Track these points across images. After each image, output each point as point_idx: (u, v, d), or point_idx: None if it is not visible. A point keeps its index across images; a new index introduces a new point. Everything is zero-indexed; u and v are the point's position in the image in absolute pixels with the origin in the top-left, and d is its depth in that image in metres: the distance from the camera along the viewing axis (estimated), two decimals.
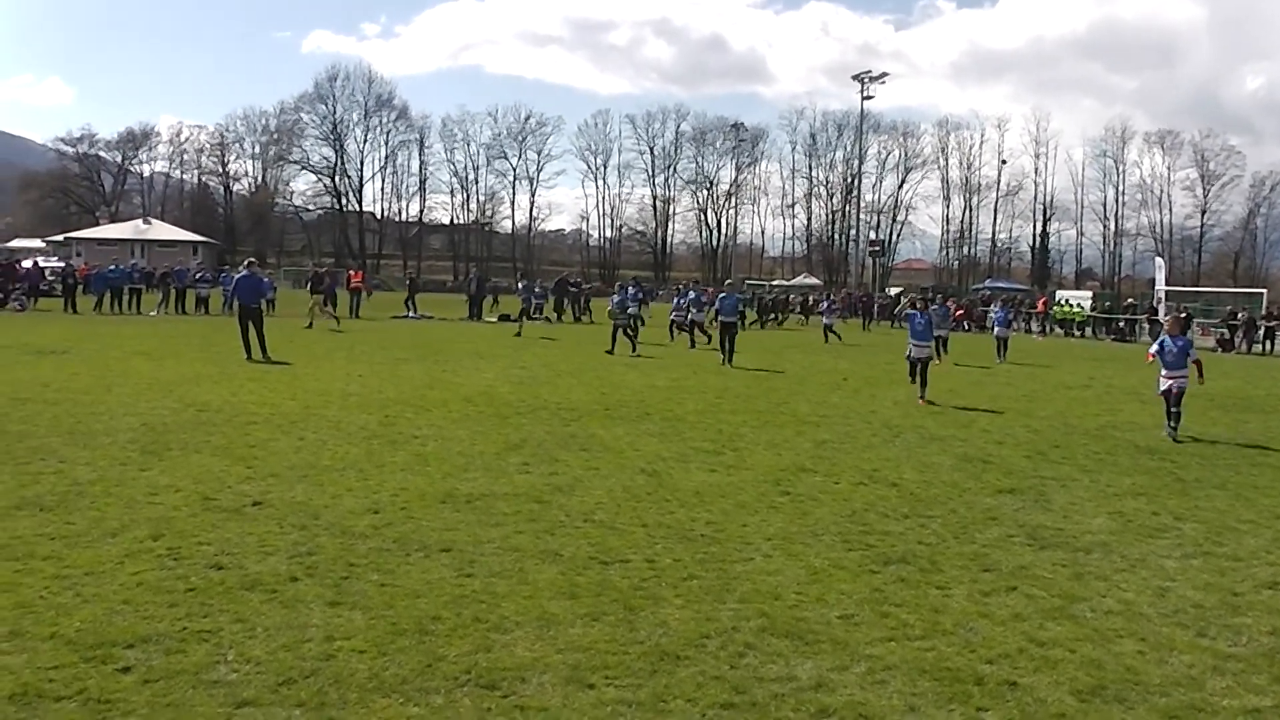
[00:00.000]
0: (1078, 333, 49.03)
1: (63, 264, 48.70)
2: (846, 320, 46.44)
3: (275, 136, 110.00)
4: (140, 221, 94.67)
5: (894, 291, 68.07)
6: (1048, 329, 49.25)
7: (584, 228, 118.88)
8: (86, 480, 8.74)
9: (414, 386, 16.52)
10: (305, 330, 29.56)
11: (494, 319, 40.41)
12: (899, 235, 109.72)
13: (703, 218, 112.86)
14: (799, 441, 12.44)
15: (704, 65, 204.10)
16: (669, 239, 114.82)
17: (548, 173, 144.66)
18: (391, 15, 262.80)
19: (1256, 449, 13.19)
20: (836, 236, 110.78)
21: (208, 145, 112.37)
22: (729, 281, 32.67)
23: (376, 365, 19.98)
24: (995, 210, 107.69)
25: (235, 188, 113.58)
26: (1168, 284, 53.41)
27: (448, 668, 5.01)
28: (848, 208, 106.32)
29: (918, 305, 18.24)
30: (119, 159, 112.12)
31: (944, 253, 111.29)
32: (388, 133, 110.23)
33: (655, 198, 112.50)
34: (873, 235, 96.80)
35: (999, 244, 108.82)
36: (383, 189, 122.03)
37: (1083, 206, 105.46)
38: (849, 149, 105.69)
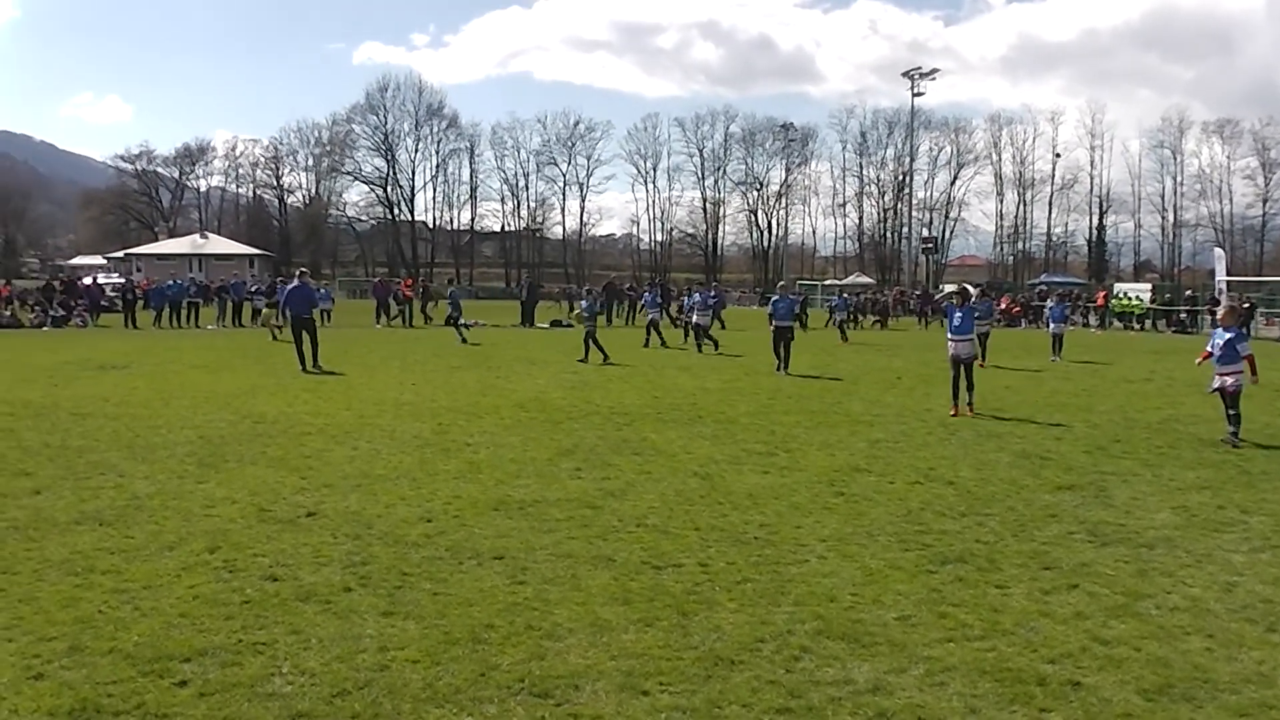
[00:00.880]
0: (1137, 326, 48.08)
1: (123, 280, 49.64)
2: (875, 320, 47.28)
3: (328, 148, 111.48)
4: (197, 236, 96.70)
5: (948, 289, 67.34)
6: (1107, 323, 48.39)
7: (634, 232, 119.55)
8: (145, 494, 8.89)
9: (467, 394, 16.62)
10: (373, 334, 30.22)
11: (545, 325, 40.56)
12: (952, 232, 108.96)
13: (753, 219, 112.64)
14: (853, 441, 12.31)
15: (752, 66, 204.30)
16: (720, 241, 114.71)
17: (597, 178, 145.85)
18: (440, 25, 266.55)
19: None
20: (889, 235, 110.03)
21: (262, 159, 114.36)
22: (781, 283, 31.49)
23: (430, 373, 20.15)
24: (1050, 204, 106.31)
25: (289, 200, 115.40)
26: (1229, 274, 52.12)
27: (501, 676, 5.00)
28: (899, 205, 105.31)
29: (954, 299, 17.32)
30: (176, 174, 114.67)
31: (998, 248, 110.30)
32: (438, 142, 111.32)
33: (705, 200, 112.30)
34: (925, 233, 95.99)
35: (1054, 238, 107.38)
36: (434, 198, 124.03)
37: (1140, 198, 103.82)
38: (900, 147, 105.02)
